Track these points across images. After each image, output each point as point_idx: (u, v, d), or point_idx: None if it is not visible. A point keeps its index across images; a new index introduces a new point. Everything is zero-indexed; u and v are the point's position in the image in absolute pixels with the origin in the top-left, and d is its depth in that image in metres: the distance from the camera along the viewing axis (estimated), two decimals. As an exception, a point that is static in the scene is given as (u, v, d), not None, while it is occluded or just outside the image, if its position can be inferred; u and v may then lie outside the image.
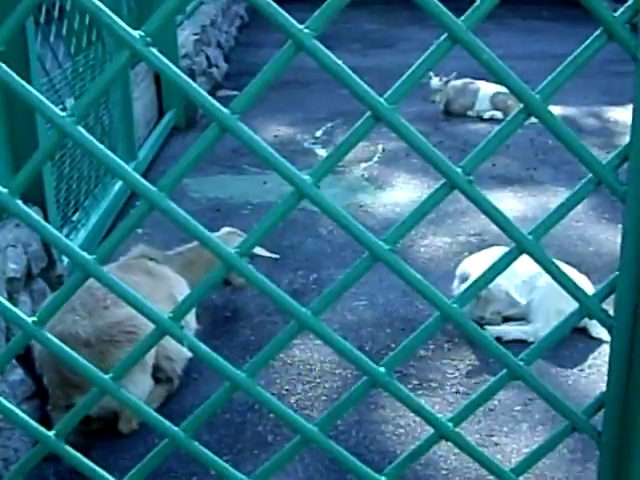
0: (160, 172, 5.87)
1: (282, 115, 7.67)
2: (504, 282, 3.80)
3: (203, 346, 1.43)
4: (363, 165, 6.32)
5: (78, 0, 1.19)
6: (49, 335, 1.41)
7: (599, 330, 3.84)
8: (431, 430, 1.55)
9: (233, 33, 11.22)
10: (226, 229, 4.09)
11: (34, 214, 1.34)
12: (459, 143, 6.82)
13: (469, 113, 7.64)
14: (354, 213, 5.30)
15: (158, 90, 6.92)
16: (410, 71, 1.29)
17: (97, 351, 3.02)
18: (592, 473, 2.96)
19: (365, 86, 1.27)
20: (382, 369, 1.45)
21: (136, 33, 1.23)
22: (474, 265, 3.96)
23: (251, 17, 12.94)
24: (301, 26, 1.24)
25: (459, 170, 1.34)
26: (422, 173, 6.10)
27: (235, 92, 7.89)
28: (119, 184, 5.11)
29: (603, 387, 1.53)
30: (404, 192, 5.82)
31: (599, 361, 3.70)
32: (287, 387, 3.51)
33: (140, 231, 4.84)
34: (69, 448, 1.51)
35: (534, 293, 3.90)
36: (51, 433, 1.49)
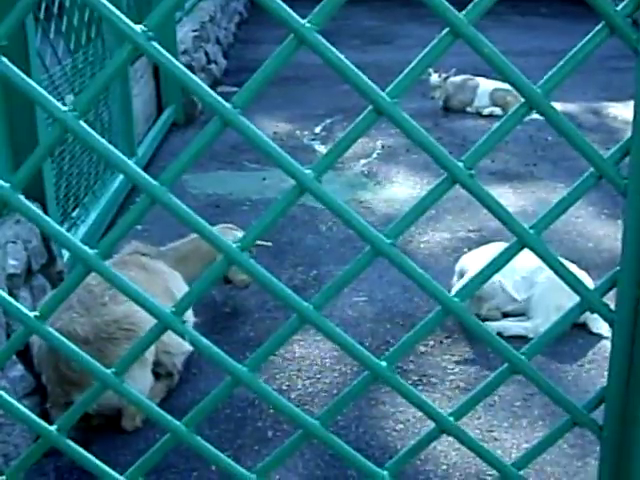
0: (159, 168, 5.87)
1: (281, 111, 7.67)
2: (498, 278, 3.80)
3: (205, 340, 1.43)
4: (362, 161, 6.32)
5: (80, -6, 1.19)
6: (51, 330, 1.41)
7: (599, 325, 3.85)
8: (431, 425, 1.55)
9: (232, 29, 11.21)
10: (221, 225, 4.10)
11: (36, 209, 1.34)
12: (458, 139, 6.83)
13: (468, 109, 7.65)
14: (354, 209, 5.30)
15: (157, 86, 6.92)
16: (412, 65, 1.29)
17: (96, 348, 3.01)
18: (592, 468, 2.96)
19: (367, 80, 1.27)
20: (384, 363, 1.45)
21: (138, 27, 1.23)
22: (473, 261, 3.96)
23: (250, 14, 12.94)
24: (303, 21, 1.24)
25: (460, 164, 1.34)
26: (421, 169, 6.10)
27: (234, 88, 7.88)
28: (118, 181, 5.11)
29: (603, 382, 1.53)
30: (403, 188, 5.82)
31: (599, 357, 3.71)
32: (287, 383, 3.51)
33: (139, 227, 4.84)
34: (71, 442, 1.51)
35: (534, 289, 3.90)
36: (53, 428, 1.49)
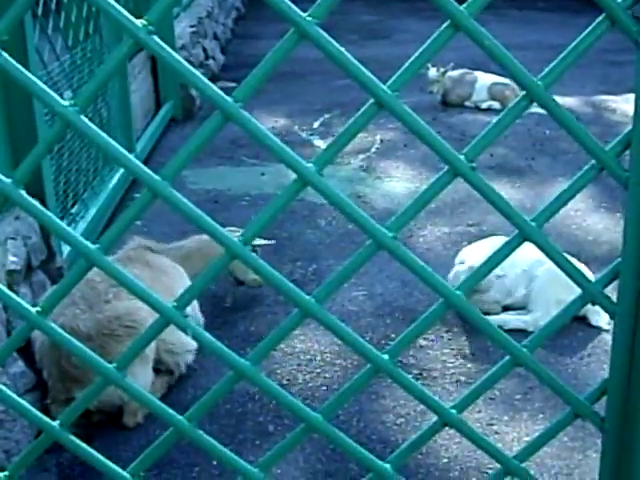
0: (158, 163, 5.86)
1: (279, 107, 7.67)
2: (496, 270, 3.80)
3: (207, 335, 1.43)
4: (361, 156, 6.32)
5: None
6: (53, 325, 1.41)
7: (598, 318, 3.85)
8: (432, 419, 1.55)
9: (229, 25, 11.20)
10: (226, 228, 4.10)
11: (38, 204, 1.34)
12: (457, 133, 6.82)
13: (466, 103, 7.64)
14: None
15: (155, 82, 6.92)
16: (412, 58, 1.29)
17: (98, 345, 3.02)
18: (592, 461, 2.97)
19: (368, 73, 1.27)
20: (386, 356, 1.46)
21: (139, 22, 1.23)
22: (472, 254, 3.96)
23: (247, 9, 12.92)
24: (304, 14, 1.24)
25: (462, 157, 1.34)
26: (420, 164, 6.10)
27: (233, 84, 7.87)
28: (117, 177, 5.11)
29: (603, 375, 1.54)
30: (402, 183, 5.82)
31: (599, 350, 3.71)
32: (288, 377, 3.51)
33: (139, 223, 4.83)
34: (74, 437, 1.51)
35: (534, 282, 3.91)
36: (55, 423, 1.49)
